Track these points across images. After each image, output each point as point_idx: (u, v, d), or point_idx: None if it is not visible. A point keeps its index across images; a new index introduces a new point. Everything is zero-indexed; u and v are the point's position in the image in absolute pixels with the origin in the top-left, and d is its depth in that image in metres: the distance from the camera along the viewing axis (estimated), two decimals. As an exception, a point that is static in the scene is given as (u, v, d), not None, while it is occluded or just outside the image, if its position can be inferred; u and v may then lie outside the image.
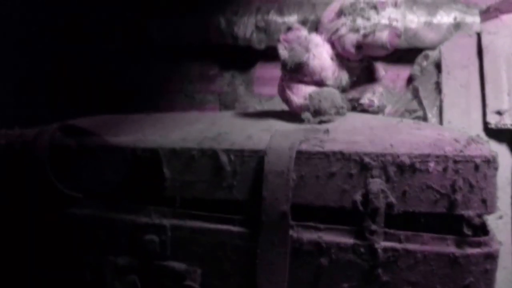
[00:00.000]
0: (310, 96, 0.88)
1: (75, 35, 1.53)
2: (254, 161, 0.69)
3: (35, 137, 0.74)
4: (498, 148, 1.17)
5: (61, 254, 0.77)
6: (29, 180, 0.75)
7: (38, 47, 1.56)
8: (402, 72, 1.50)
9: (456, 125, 1.23)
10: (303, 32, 0.91)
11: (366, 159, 0.65)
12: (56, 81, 1.55)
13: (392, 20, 0.88)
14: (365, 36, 0.88)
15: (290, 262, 0.67)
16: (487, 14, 1.25)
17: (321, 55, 0.91)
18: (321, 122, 0.85)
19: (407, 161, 0.63)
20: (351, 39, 0.89)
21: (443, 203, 0.63)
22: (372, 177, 0.64)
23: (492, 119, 1.17)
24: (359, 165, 0.65)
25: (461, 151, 0.62)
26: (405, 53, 1.48)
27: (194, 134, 0.78)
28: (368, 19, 0.88)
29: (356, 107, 0.98)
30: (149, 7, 1.51)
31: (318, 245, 0.66)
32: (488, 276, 0.62)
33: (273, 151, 0.68)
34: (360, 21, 0.89)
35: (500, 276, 1.11)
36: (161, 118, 1.04)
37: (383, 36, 0.88)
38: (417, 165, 0.63)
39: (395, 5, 0.89)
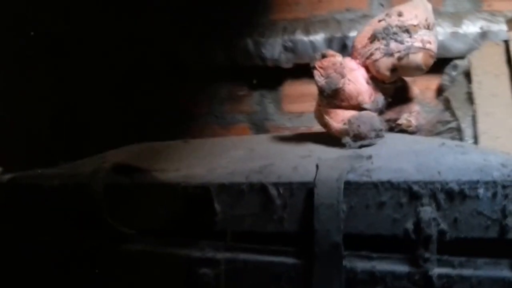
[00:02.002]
0: (349, 121, 0.90)
1: (108, 61, 1.58)
2: (303, 193, 0.71)
3: (89, 178, 0.77)
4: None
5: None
6: (85, 220, 0.78)
7: (67, 76, 1.60)
8: (431, 82, 1.50)
9: (491, 135, 1.23)
10: (338, 58, 0.92)
11: (415, 188, 0.66)
12: (87, 108, 1.59)
13: (426, 42, 0.90)
14: (399, 59, 0.90)
15: (346, 292, 0.68)
16: (514, 22, 1.25)
17: (356, 79, 0.93)
18: (361, 146, 0.87)
19: (456, 188, 0.64)
20: (385, 63, 0.91)
21: (494, 228, 0.64)
22: (422, 205, 0.65)
23: (526, 128, 1.17)
24: (408, 193, 0.66)
25: (509, 175, 0.63)
26: (434, 64, 1.49)
27: (239, 166, 0.81)
28: (402, 42, 0.89)
29: (394, 127, 0.99)
30: (180, 32, 1.54)
31: (372, 274, 0.68)
32: (544, 299, 0.63)
33: (322, 183, 0.70)
34: (393, 45, 0.90)
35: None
36: (199, 146, 1.07)
37: (417, 58, 0.89)
38: (467, 192, 0.64)
39: (428, 27, 0.91)
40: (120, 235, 0.79)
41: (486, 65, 1.32)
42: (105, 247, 0.79)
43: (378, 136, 0.89)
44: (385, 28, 0.91)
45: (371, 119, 0.90)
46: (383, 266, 0.67)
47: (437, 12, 1.39)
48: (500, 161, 0.66)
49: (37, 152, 1.33)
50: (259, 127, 1.55)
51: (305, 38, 1.43)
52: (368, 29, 0.95)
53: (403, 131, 0.97)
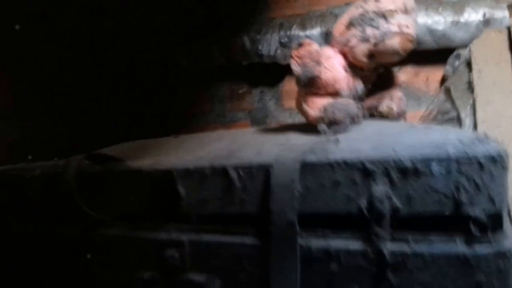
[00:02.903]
0: (325, 108, 0.90)
1: (109, 64, 1.63)
2: (262, 175, 0.71)
3: (63, 167, 0.81)
4: (536, 145, 1.13)
5: (92, 273, 0.82)
6: (61, 207, 0.81)
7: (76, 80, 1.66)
8: (435, 73, 1.48)
9: (491, 124, 1.20)
10: (314, 46, 0.93)
11: (368, 166, 0.65)
12: (91, 109, 1.65)
13: (403, 27, 0.88)
14: (376, 44, 0.89)
15: (301, 269, 0.68)
16: (515, 7, 1.21)
17: (333, 67, 0.92)
18: (336, 132, 0.86)
19: (409, 164, 0.63)
20: (362, 49, 0.90)
21: (448, 204, 0.62)
22: (376, 182, 0.65)
23: (526, 115, 1.13)
24: (362, 171, 0.66)
25: (464, 151, 0.62)
26: (436, 54, 1.46)
27: (209, 153, 0.82)
28: (378, 28, 0.89)
29: (375, 114, 0.98)
30: (176, 34, 1.58)
31: (327, 252, 0.67)
32: (502, 275, 0.61)
33: (279, 164, 0.70)
34: (369, 31, 0.89)
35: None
36: (185, 139, 1.09)
37: (394, 43, 0.88)
38: (420, 168, 0.63)
39: (406, 11, 0.89)
40: (94, 221, 0.81)
41: (487, 53, 1.28)
42: (80, 232, 0.82)
43: (354, 122, 0.88)
44: (362, 15, 0.91)
45: (347, 105, 0.89)
46: (337, 244, 0.67)
47: (438, 1, 1.37)
48: (460, 138, 0.65)
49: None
50: (260, 124, 1.56)
51: (302, 33, 1.44)
52: (345, 17, 0.95)
53: (384, 117, 0.96)
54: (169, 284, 0.77)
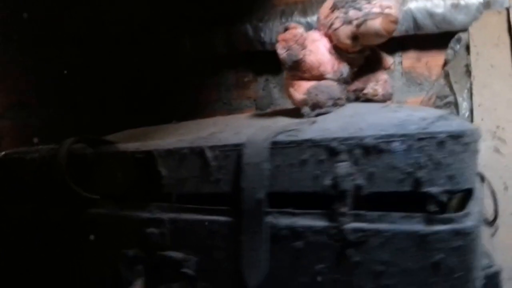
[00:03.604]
0: (308, 91, 0.91)
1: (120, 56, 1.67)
2: (236, 155, 0.74)
3: (56, 149, 0.85)
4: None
5: (82, 250, 0.87)
6: (53, 186, 0.86)
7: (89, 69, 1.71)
8: (437, 58, 1.47)
9: (487, 107, 1.19)
10: (299, 30, 0.94)
11: (333, 144, 0.67)
12: (106, 98, 1.70)
13: (385, 7, 0.89)
14: (358, 26, 0.89)
15: (270, 246, 0.70)
16: (514, -12, 1.19)
17: (318, 50, 0.93)
18: (318, 114, 0.88)
19: (371, 142, 0.65)
20: (345, 31, 0.91)
21: (408, 181, 0.63)
22: (340, 161, 0.66)
23: (523, 98, 1.12)
24: (327, 150, 0.67)
25: (424, 128, 0.63)
26: (438, 39, 1.45)
27: (193, 136, 0.85)
28: (360, 9, 0.89)
29: (361, 97, 0.99)
30: (182, 25, 1.61)
31: (293, 229, 0.69)
32: (461, 253, 0.62)
33: (251, 144, 0.72)
34: (352, 12, 0.90)
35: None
36: (183, 125, 1.12)
37: (376, 24, 0.89)
38: (382, 146, 0.64)
39: None
40: (84, 201, 0.85)
41: (485, 35, 1.27)
42: (71, 212, 0.86)
43: (336, 104, 0.89)
44: (345, -4, 0.92)
45: (329, 88, 0.91)
46: (303, 221, 0.69)
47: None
48: (423, 116, 0.66)
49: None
50: (265, 112, 1.58)
51: (303, 20, 1.44)
52: (330, 0, 0.95)
53: (369, 100, 0.96)
54: (150, 261, 0.80)
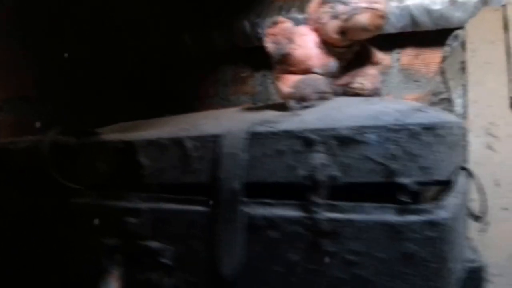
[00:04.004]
0: (295, 84, 0.91)
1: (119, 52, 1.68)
2: (215, 145, 0.74)
3: (40, 139, 0.86)
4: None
5: (65, 239, 0.88)
6: (37, 175, 0.87)
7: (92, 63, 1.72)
8: (434, 55, 1.46)
9: (482, 104, 1.18)
10: (288, 24, 0.94)
11: (309, 135, 0.67)
12: (104, 92, 1.71)
13: (372, 2, 0.88)
14: (345, 21, 0.89)
15: (246, 236, 0.71)
16: (510, -16, 1.18)
17: (306, 44, 0.94)
18: (304, 107, 0.88)
19: (346, 133, 0.65)
20: (332, 25, 0.91)
21: (382, 172, 0.63)
22: (315, 152, 0.66)
23: (517, 94, 1.11)
24: (304, 141, 0.67)
25: (398, 120, 0.62)
26: (436, 36, 1.44)
27: (177, 127, 0.85)
28: (347, 4, 0.89)
29: (349, 91, 0.98)
30: (182, 21, 1.62)
31: (269, 219, 0.69)
32: (433, 244, 0.61)
33: (229, 135, 0.73)
34: (339, 7, 0.90)
35: None
36: (174, 118, 1.12)
37: (363, 19, 0.89)
38: (356, 137, 0.64)
39: None
40: (67, 190, 0.86)
41: (482, 32, 1.26)
42: (54, 201, 0.87)
43: (322, 98, 0.89)
44: (333, -8, 0.92)
45: (316, 82, 0.91)
46: (279, 211, 0.69)
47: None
48: (398, 108, 0.65)
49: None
50: (262, 107, 1.58)
51: (300, 16, 1.44)
52: (318, -5, 0.95)
53: (357, 94, 0.96)
54: (129, 250, 0.81)
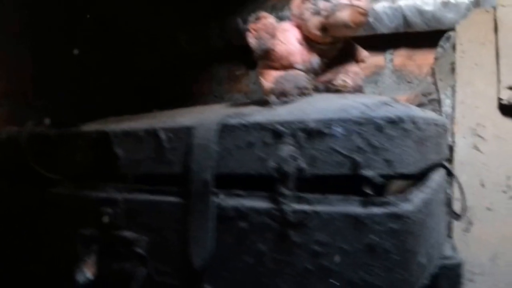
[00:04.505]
0: (276, 80, 0.92)
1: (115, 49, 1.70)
2: (188, 136, 0.75)
3: (19, 130, 0.87)
4: (513, 126, 1.10)
5: (43, 229, 0.89)
6: (17, 166, 0.88)
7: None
8: (426, 56, 1.46)
9: (469, 105, 1.18)
10: (270, 19, 0.95)
11: (278, 127, 0.67)
12: (99, 89, 1.72)
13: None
14: (327, 17, 0.90)
15: (216, 227, 0.71)
16: (501, -15, 1.18)
17: (288, 40, 0.94)
18: (284, 103, 0.88)
19: (313, 126, 0.65)
20: (314, 22, 0.92)
21: (347, 165, 0.63)
22: (284, 144, 0.67)
23: (505, 95, 1.11)
24: (273, 133, 0.68)
25: (364, 113, 0.63)
26: (429, 37, 1.44)
27: (157, 120, 0.86)
28: (329, 0, 0.90)
29: (330, 88, 0.98)
30: (178, 18, 1.63)
31: (238, 210, 0.70)
32: (396, 236, 0.61)
33: (201, 126, 0.73)
34: (321, 3, 0.90)
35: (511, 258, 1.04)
36: (160, 113, 1.13)
37: (344, 15, 0.89)
38: (323, 130, 0.65)
39: None
40: (45, 180, 0.87)
41: (472, 34, 1.25)
42: (33, 191, 0.89)
43: (302, 94, 0.89)
44: (316, -13, 0.92)
45: (296, 77, 0.91)
46: (248, 203, 0.70)
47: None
48: (366, 102, 0.66)
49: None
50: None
51: (292, 15, 1.44)
52: (303, -9, 0.96)
53: (339, 91, 0.96)
54: (105, 240, 0.81)
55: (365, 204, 0.62)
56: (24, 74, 1.60)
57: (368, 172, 0.62)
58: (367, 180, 0.62)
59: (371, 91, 1.55)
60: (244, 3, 1.53)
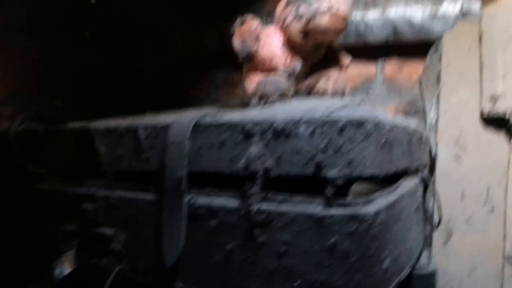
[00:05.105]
0: (258, 82, 0.94)
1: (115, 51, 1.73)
2: (165, 134, 0.77)
3: (8, 125, 0.90)
4: (494, 137, 1.12)
5: (30, 223, 0.91)
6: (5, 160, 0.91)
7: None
8: (417, 67, 1.47)
9: (452, 115, 1.20)
10: (255, 23, 0.97)
11: (247, 127, 0.69)
12: (96, 90, 1.75)
13: (333, 5, 0.91)
14: (307, 22, 0.92)
15: (188, 225, 0.73)
16: (486, -3, 1.20)
17: (271, 44, 0.97)
18: (263, 105, 0.90)
19: (280, 126, 0.67)
20: (295, 27, 0.94)
21: (311, 165, 0.65)
22: (253, 143, 0.69)
23: (486, 106, 1.13)
24: (243, 132, 0.70)
25: (328, 115, 0.65)
26: (419, 48, 1.46)
27: (141, 119, 0.89)
28: (310, 5, 0.92)
29: (312, 92, 1.01)
30: (174, 21, 1.66)
31: (209, 208, 0.72)
32: (357, 238, 0.63)
33: (176, 124, 0.75)
34: (302, 9, 0.93)
35: (489, 270, 1.05)
36: (152, 116, 1.16)
37: (324, 21, 0.91)
38: (289, 130, 0.66)
39: None
40: (32, 175, 0.90)
41: (457, 44, 1.27)
42: (19, 186, 0.91)
43: (283, 96, 0.92)
44: (298, -7, 0.95)
45: (278, 80, 0.94)
46: (218, 201, 0.71)
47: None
48: (331, 104, 0.68)
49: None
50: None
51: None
52: (286, -4, 0.98)
53: (320, 95, 0.98)
54: (85, 236, 0.84)
55: (326, 205, 0.64)
56: (30, 71, 1.62)
57: (330, 173, 0.64)
58: (329, 181, 0.64)
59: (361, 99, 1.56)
60: (241, 9, 1.55)
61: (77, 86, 1.71)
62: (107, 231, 0.82)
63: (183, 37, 1.66)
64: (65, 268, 0.84)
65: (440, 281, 1.09)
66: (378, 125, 0.66)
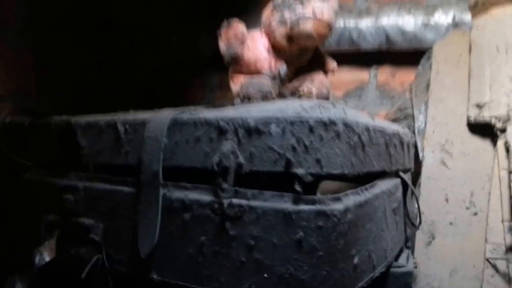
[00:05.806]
0: (241, 84, 0.96)
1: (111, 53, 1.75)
2: (143, 129, 0.79)
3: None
4: (480, 144, 1.13)
5: (15, 212, 0.93)
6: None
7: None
8: (409, 74, 1.49)
9: (440, 121, 1.21)
10: (241, 27, 0.99)
11: (221, 123, 0.71)
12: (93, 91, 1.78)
13: (317, 12, 0.93)
14: (292, 28, 0.94)
15: (163, 218, 0.75)
16: (476, 8, 1.22)
17: (256, 47, 0.99)
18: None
19: (252, 123, 0.69)
20: (280, 31, 0.96)
21: (281, 162, 0.67)
22: (226, 140, 0.70)
23: (472, 113, 1.14)
24: (217, 129, 0.72)
25: (298, 114, 0.66)
26: (411, 56, 1.48)
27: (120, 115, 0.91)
28: (294, 11, 0.94)
29: (296, 95, 1.02)
30: (171, 24, 1.68)
31: (183, 202, 0.73)
32: (322, 233, 0.64)
33: (154, 120, 0.77)
34: (287, 14, 0.95)
35: (470, 273, 1.06)
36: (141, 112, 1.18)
37: (308, 27, 0.93)
38: (261, 127, 0.68)
39: None
40: (18, 166, 0.92)
41: (448, 54, 1.29)
42: (5, 176, 0.93)
43: (266, 97, 0.93)
44: (283, -1, 0.97)
45: (261, 82, 0.95)
46: (192, 195, 0.73)
47: (411, 1, 1.39)
48: (304, 104, 0.69)
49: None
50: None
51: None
52: (272, 1, 1.00)
53: (304, 98, 1.00)
54: (66, 226, 0.86)
55: (295, 201, 0.65)
56: (27, 71, 1.65)
57: (299, 170, 0.65)
58: (298, 178, 0.65)
59: (354, 105, 1.58)
60: (237, 14, 1.57)
61: (72, 85, 1.73)
62: (87, 221, 0.83)
63: (179, 40, 1.68)
64: (45, 256, 0.85)
65: (421, 282, 1.10)
66: (348, 126, 0.67)
